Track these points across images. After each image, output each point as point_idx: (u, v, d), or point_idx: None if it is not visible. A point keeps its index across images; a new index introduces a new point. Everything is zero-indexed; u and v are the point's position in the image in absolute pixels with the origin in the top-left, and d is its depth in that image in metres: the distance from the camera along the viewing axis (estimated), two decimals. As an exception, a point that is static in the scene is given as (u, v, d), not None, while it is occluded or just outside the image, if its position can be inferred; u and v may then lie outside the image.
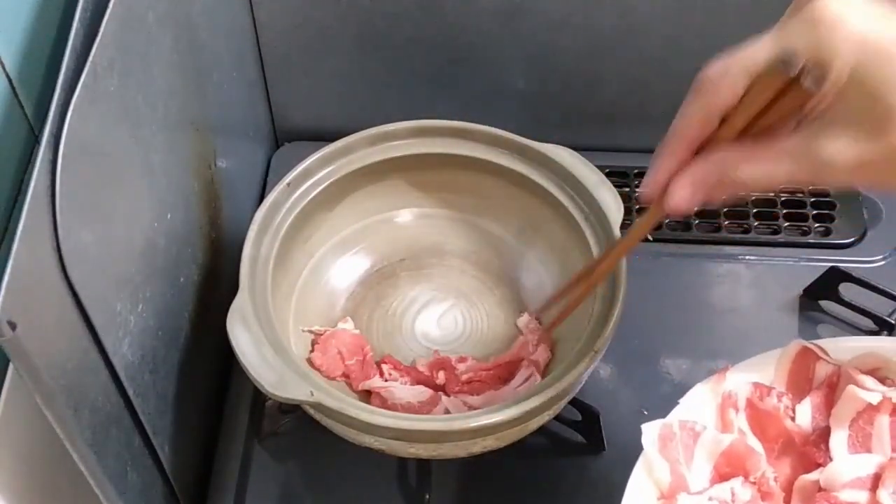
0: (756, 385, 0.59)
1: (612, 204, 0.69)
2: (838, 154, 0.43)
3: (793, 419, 0.58)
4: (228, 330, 0.61)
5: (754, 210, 0.85)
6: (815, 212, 0.85)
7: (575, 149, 0.73)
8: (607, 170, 0.74)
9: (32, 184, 0.42)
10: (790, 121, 0.46)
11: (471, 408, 0.68)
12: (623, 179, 0.87)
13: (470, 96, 0.87)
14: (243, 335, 0.61)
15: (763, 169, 0.46)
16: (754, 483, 0.56)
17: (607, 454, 0.70)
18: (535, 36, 0.82)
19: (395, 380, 0.69)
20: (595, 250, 0.68)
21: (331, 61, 0.86)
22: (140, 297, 0.56)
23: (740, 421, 0.58)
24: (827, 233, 0.83)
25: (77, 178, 0.45)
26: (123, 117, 0.52)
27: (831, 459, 0.56)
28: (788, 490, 0.57)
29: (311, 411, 0.63)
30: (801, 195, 0.86)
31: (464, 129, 0.74)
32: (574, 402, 0.67)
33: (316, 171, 0.72)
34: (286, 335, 0.69)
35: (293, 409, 0.69)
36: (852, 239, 0.83)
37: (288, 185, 0.70)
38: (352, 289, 0.76)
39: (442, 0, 0.81)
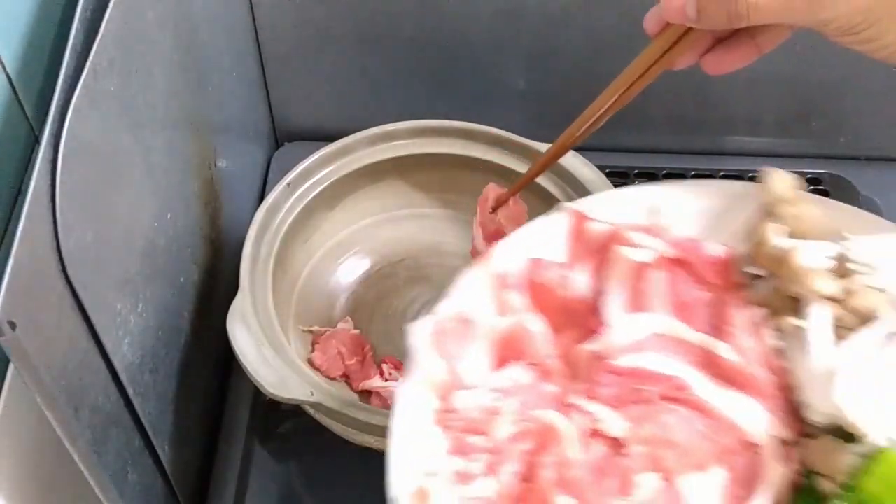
0: (532, 260, 0.54)
1: (612, 204, 0.69)
2: None
3: (571, 289, 0.54)
4: (228, 330, 0.61)
5: (754, 210, 0.85)
6: (815, 212, 0.85)
7: (575, 149, 0.73)
8: (607, 170, 0.74)
9: (32, 184, 0.42)
10: None
11: (471, 408, 0.68)
12: (623, 179, 0.87)
13: (470, 96, 0.87)
14: (243, 335, 0.61)
15: None
16: (535, 364, 0.52)
17: (607, 454, 0.70)
18: (535, 36, 0.82)
19: (396, 380, 0.69)
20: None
21: (331, 61, 0.86)
22: (140, 297, 0.56)
23: (518, 300, 0.53)
24: (827, 233, 0.83)
25: (77, 178, 0.45)
26: (123, 117, 0.52)
27: (608, 325, 0.52)
28: (572, 363, 0.52)
29: (311, 411, 0.63)
30: (801, 195, 0.86)
31: (464, 129, 0.74)
32: (574, 402, 0.67)
33: (316, 171, 0.72)
34: (286, 335, 0.69)
35: (293, 409, 0.69)
36: (852, 239, 0.83)
37: (288, 185, 0.70)
38: (352, 289, 0.76)
39: (442, 0, 0.81)
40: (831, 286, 0.48)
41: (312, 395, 0.59)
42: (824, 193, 0.86)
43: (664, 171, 0.88)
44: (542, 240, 0.54)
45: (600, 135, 0.86)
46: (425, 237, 0.78)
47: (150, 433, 0.58)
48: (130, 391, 0.54)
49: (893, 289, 0.49)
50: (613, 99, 0.57)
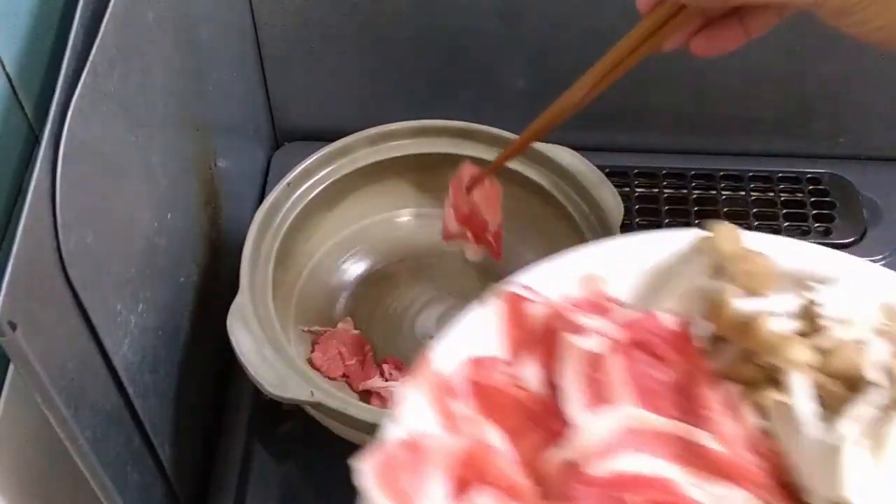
0: (473, 360, 0.48)
1: (612, 204, 0.69)
2: None
3: (524, 388, 0.48)
4: (228, 330, 0.61)
5: (754, 210, 0.85)
6: (815, 212, 0.85)
7: (575, 149, 0.73)
8: (607, 170, 0.74)
9: (32, 184, 0.42)
10: None
11: (471, 408, 0.68)
12: (623, 179, 0.87)
13: (470, 96, 0.87)
14: (243, 335, 0.61)
15: None
16: (501, 486, 0.45)
17: (607, 454, 0.70)
18: (535, 36, 0.82)
19: (396, 380, 0.69)
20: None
21: (331, 61, 0.86)
22: (140, 297, 0.56)
23: (466, 410, 0.47)
24: (827, 233, 0.83)
25: (77, 178, 0.45)
26: (123, 117, 0.52)
27: (572, 426, 0.46)
28: (540, 477, 0.46)
29: (312, 411, 0.63)
30: (800, 195, 0.86)
31: (464, 129, 0.74)
32: (574, 402, 0.67)
33: (316, 171, 0.72)
34: (286, 335, 0.69)
35: (293, 409, 0.69)
36: (852, 239, 0.83)
37: (288, 185, 0.70)
38: (352, 289, 0.76)
39: (442, 0, 0.81)
40: (807, 354, 0.44)
41: (313, 395, 0.59)
42: (824, 193, 0.86)
43: (664, 171, 0.88)
44: (478, 334, 0.49)
45: (600, 135, 0.87)
46: (425, 237, 0.78)
47: (150, 433, 0.58)
48: (130, 391, 0.54)
49: (872, 338, 0.44)
50: (598, 79, 0.56)
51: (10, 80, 0.49)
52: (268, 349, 0.61)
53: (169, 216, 0.60)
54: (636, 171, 0.88)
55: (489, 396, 0.48)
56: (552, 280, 0.50)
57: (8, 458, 0.51)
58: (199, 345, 0.67)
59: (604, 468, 0.44)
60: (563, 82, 0.86)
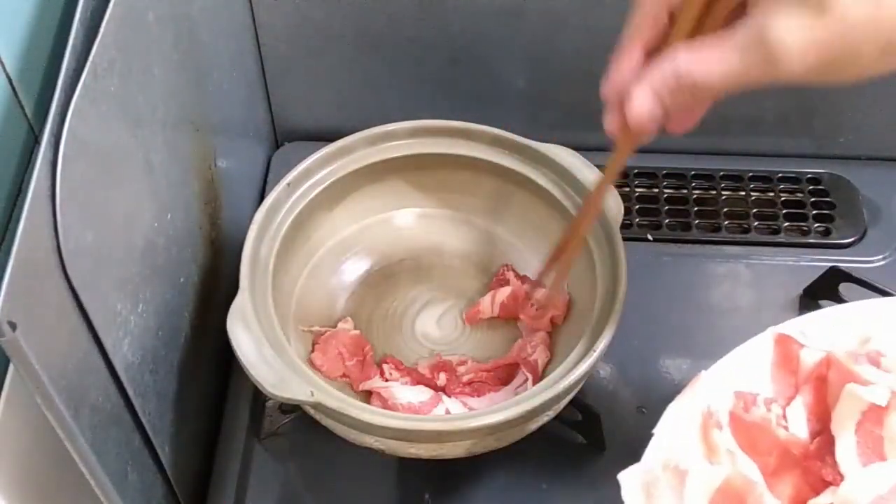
0: (738, 394, 0.51)
1: (612, 204, 0.69)
2: (787, 35, 0.42)
3: (786, 428, 0.51)
4: (228, 330, 0.61)
5: (754, 210, 0.85)
6: (815, 212, 0.85)
7: (575, 149, 0.73)
8: (607, 170, 0.74)
9: (32, 184, 0.42)
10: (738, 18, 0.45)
11: (471, 409, 0.68)
12: (623, 179, 0.87)
13: (470, 96, 0.87)
14: (243, 335, 0.61)
15: (716, 65, 0.44)
16: None
17: (608, 454, 0.70)
18: (535, 36, 0.82)
19: (396, 380, 0.69)
20: (595, 250, 0.68)
21: (331, 61, 0.86)
22: (140, 297, 0.56)
23: (726, 441, 0.50)
24: (827, 233, 0.83)
25: (77, 178, 0.45)
26: (123, 117, 0.52)
27: (842, 476, 0.48)
28: None
29: (312, 411, 0.63)
30: (800, 195, 0.86)
31: (464, 129, 0.74)
32: (574, 403, 0.67)
33: (316, 171, 0.72)
34: (286, 335, 0.68)
35: (293, 410, 0.69)
36: (852, 239, 0.83)
37: (288, 185, 0.70)
38: (352, 289, 0.76)
39: (442, 0, 0.81)
40: None
41: (313, 395, 0.59)
42: (824, 193, 0.86)
43: (664, 171, 0.88)
44: (746, 369, 0.50)
45: (600, 135, 0.87)
46: (425, 237, 0.78)
47: (150, 433, 0.58)
48: (130, 391, 0.54)
49: None
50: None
51: (10, 80, 0.49)
52: (268, 349, 0.61)
53: (169, 216, 0.60)
54: (636, 171, 0.88)
55: (749, 432, 0.49)
56: (822, 328, 0.50)
57: (8, 458, 0.51)
58: (199, 345, 0.67)
59: None
60: (563, 82, 0.87)
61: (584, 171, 0.71)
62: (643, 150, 0.89)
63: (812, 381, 0.51)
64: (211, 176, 0.70)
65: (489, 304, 0.73)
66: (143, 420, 0.57)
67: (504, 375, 0.70)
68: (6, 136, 0.49)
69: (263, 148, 0.90)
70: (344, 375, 0.70)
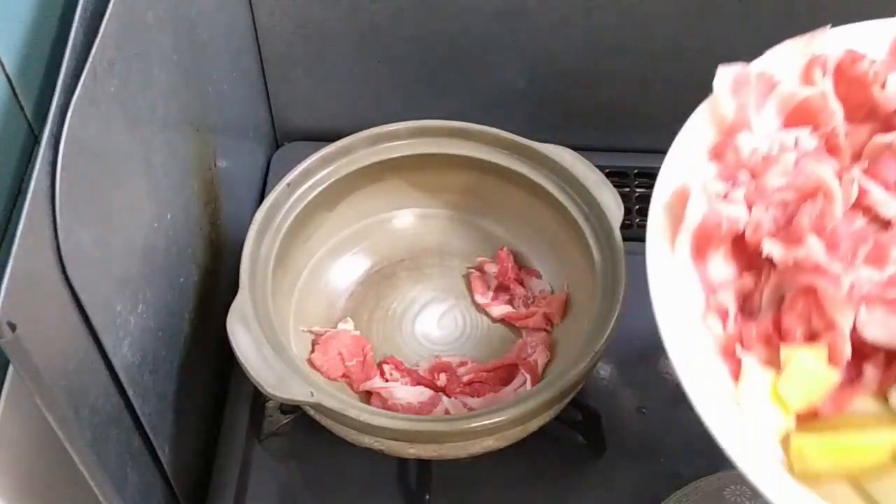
0: (849, 51, 0.53)
1: (612, 204, 0.69)
2: None
3: (882, 86, 0.53)
4: (228, 330, 0.61)
5: (754, 210, 0.85)
6: (815, 212, 0.85)
7: (575, 149, 0.73)
8: (607, 170, 0.74)
9: (32, 184, 0.42)
10: None
11: (471, 409, 0.68)
12: (623, 179, 0.87)
13: (470, 96, 0.87)
14: (243, 335, 0.61)
15: None
16: (822, 136, 0.52)
17: (608, 454, 0.70)
18: (535, 36, 0.82)
19: (397, 381, 0.69)
20: (595, 250, 0.68)
21: (331, 61, 0.86)
22: (140, 297, 0.56)
23: (825, 83, 0.53)
24: (827, 233, 0.83)
25: (77, 178, 0.45)
26: (123, 117, 0.52)
27: None
28: (858, 152, 0.53)
29: (312, 412, 0.63)
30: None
31: (464, 129, 0.74)
32: (574, 403, 0.67)
33: (316, 171, 0.72)
34: (286, 335, 0.69)
35: (293, 410, 0.69)
36: (852, 239, 0.83)
37: (288, 185, 0.70)
38: (352, 289, 0.76)
39: (442, 0, 0.81)
40: None
41: (312, 395, 0.59)
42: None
43: (664, 171, 0.88)
44: (867, 37, 0.54)
45: (600, 135, 0.87)
46: (425, 237, 0.78)
47: (150, 433, 0.58)
48: (130, 391, 0.54)
49: None
50: None
51: (9, 80, 0.49)
52: (268, 349, 0.61)
53: (169, 216, 0.60)
54: (636, 171, 0.88)
55: (848, 82, 0.53)
56: None
57: (8, 458, 0.51)
58: (199, 345, 0.67)
59: None
60: (563, 82, 0.87)
61: (584, 171, 0.71)
62: (643, 150, 0.90)
63: None
64: (211, 176, 0.70)
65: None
66: (143, 420, 0.57)
67: (504, 376, 0.70)
68: (6, 136, 0.49)
69: (263, 148, 0.90)
70: (344, 376, 0.70)
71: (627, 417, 0.72)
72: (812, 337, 0.48)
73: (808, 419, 0.47)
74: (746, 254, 0.50)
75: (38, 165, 0.43)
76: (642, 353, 0.75)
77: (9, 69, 0.48)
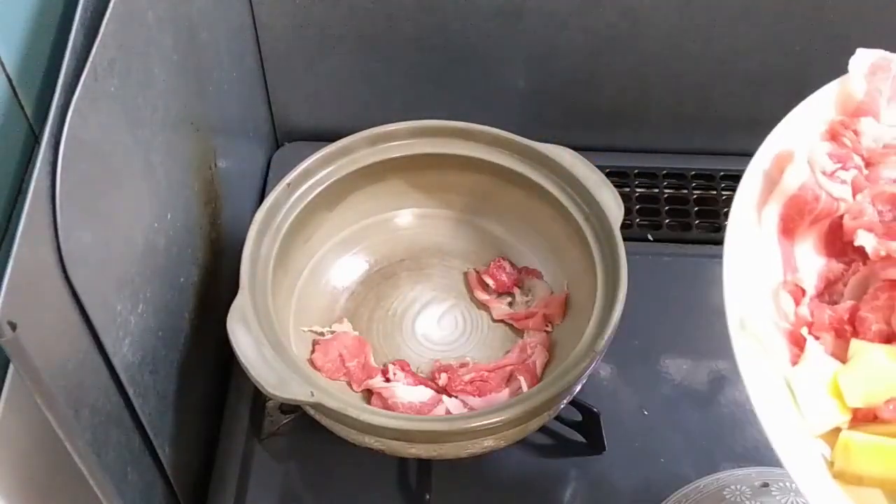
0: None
1: (612, 204, 0.69)
2: None
3: None
4: (228, 330, 0.61)
5: (754, 210, 0.85)
6: (815, 212, 0.85)
7: (575, 149, 0.73)
8: (607, 170, 0.74)
9: (32, 184, 0.42)
10: None
11: (471, 409, 0.68)
12: (623, 179, 0.87)
13: (470, 96, 0.87)
14: (243, 335, 0.61)
15: None
16: None
17: (607, 454, 0.70)
18: (535, 36, 0.82)
19: (399, 380, 0.69)
20: (595, 250, 0.68)
21: (331, 61, 0.86)
22: (140, 297, 0.56)
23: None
24: (827, 233, 0.83)
25: (77, 178, 0.45)
26: (123, 117, 0.52)
27: None
28: None
29: (312, 412, 0.63)
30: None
31: (464, 129, 0.74)
32: (574, 403, 0.67)
33: (316, 171, 0.72)
34: (286, 335, 0.69)
35: (293, 410, 0.69)
36: (852, 239, 0.83)
37: (288, 185, 0.70)
38: (352, 289, 0.76)
39: (442, 0, 0.81)
40: None
41: (313, 395, 0.59)
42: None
43: (664, 171, 0.88)
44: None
45: (600, 135, 0.87)
46: (425, 237, 0.78)
47: (150, 433, 0.58)
48: (130, 391, 0.54)
49: None
50: None
51: (10, 80, 0.49)
52: (268, 349, 0.61)
53: (169, 216, 0.60)
54: (636, 171, 0.88)
55: None
56: None
57: (8, 458, 0.51)
58: (199, 345, 0.67)
59: None
60: (563, 82, 0.87)
61: (584, 171, 0.71)
62: (643, 150, 0.90)
63: None
64: (211, 176, 0.70)
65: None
66: (143, 420, 0.57)
67: (504, 376, 0.70)
68: (6, 136, 0.49)
69: (263, 148, 0.90)
70: (344, 376, 0.70)
71: (627, 417, 0.72)
72: (889, 338, 0.45)
73: (864, 420, 0.43)
74: (839, 241, 0.48)
75: (38, 165, 0.43)
76: (642, 353, 0.75)
77: (9, 69, 0.48)
